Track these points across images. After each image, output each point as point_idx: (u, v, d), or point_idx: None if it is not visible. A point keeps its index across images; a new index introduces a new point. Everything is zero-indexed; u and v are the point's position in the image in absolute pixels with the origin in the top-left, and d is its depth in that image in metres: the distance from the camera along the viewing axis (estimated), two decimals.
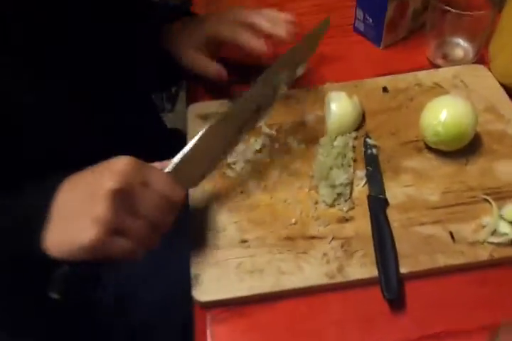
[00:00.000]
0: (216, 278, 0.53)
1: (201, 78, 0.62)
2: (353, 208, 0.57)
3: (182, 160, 0.48)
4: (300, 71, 0.57)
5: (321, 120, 0.65)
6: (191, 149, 0.48)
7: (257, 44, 0.52)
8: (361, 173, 0.60)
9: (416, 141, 0.62)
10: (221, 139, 0.52)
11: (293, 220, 0.57)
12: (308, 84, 0.68)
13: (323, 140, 0.62)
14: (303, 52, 0.56)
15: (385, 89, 0.67)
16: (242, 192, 0.59)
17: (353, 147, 0.62)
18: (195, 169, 0.49)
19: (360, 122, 0.64)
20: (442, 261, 0.52)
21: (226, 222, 0.56)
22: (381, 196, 0.57)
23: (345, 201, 0.58)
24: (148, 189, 0.40)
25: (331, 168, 0.59)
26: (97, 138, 0.55)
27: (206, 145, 0.50)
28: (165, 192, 0.42)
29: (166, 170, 0.47)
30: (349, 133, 0.63)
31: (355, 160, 0.61)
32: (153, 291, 0.61)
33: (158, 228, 0.42)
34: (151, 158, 0.46)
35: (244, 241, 0.55)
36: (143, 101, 0.71)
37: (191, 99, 0.70)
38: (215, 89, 0.69)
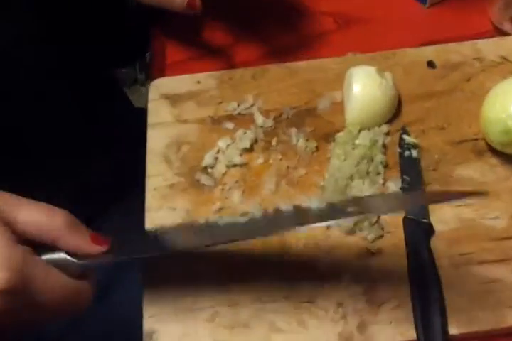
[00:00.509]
0: (178, 337, 0.49)
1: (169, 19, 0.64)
2: (381, 237, 0.53)
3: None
4: None
5: (339, 107, 0.61)
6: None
7: None
8: (395, 185, 0.56)
9: (475, 139, 0.59)
10: None
11: (293, 252, 0.53)
12: (322, 54, 0.66)
13: (340, 136, 0.59)
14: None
15: (430, 64, 0.64)
16: (221, 209, 0.56)
17: (384, 147, 0.58)
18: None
19: (394, 111, 0.60)
20: None
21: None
22: (423, 220, 0.54)
23: (371, 226, 0.53)
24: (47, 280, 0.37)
25: (351, 178, 0.55)
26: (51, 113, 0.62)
27: None
28: (54, 307, 0.38)
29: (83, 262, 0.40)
30: (378, 126, 0.59)
31: (386, 166, 0.57)
32: None
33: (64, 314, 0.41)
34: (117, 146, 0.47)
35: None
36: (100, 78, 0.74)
37: (157, 72, 0.69)
38: (191, 51, 0.68)
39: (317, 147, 0.59)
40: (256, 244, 0.53)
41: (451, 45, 0.65)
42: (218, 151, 0.59)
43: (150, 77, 0.68)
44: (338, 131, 0.59)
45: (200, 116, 0.61)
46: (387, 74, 0.59)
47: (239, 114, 0.62)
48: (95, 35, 0.69)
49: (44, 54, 0.61)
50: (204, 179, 0.58)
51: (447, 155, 0.58)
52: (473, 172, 0.57)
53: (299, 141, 0.59)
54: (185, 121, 0.62)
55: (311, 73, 0.64)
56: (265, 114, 0.62)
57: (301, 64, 0.65)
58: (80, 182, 0.67)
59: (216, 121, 0.61)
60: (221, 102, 0.63)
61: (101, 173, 0.69)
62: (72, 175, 0.67)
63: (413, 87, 0.62)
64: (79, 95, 0.66)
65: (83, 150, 0.69)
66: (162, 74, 0.68)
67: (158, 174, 0.58)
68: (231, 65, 0.66)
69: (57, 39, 0.61)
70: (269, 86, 0.63)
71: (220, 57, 0.68)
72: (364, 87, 0.58)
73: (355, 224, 0.54)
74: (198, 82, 0.64)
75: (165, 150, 0.59)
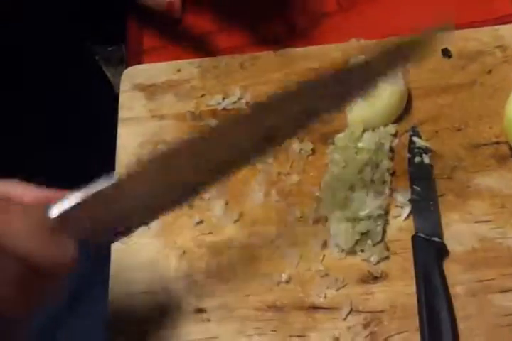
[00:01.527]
0: None
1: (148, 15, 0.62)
2: (386, 258, 0.51)
3: (97, 194, 0.37)
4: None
5: None
6: (124, 175, 0.39)
7: None
8: (403, 197, 0.53)
9: (496, 143, 0.55)
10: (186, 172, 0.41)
11: (283, 276, 0.51)
12: (321, 41, 0.62)
13: (340, 138, 0.56)
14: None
15: (445, 53, 0.60)
16: (200, 222, 0.54)
17: (391, 151, 0.55)
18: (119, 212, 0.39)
19: (403, 108, 0.57)
20: None
21: (170, 277, 0.52)
22: (435, 239, 0.51)
23: (374, 245, 0.51)
24: None
25: (351, 188, 0.52)
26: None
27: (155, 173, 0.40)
28: (32, 254, 0.34)
29: (53, 210, 0.36)
30: (384, 126, 0.56)
31: (392, 174, 0.54)
32: None
33: (17, 313, 0.36)
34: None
35: (200, 311, 0.50)
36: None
37: (131, 58, 0.66)
38: (171, 36, 0.64)
39: (313, 150, 0.56)
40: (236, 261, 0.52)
41: (470, 31, 0.61)
42: None
43: (125, 64, 0.65)
44: (338, 132, 0.56)
45: (179, 111, 0.59)
46: None
47: (224, 109, 0.58)
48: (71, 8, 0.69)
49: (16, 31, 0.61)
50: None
51: (464, 162, 0.55)
52: (494, 181, 0.53)
53: (292, 142, 0.56)
54: (161, 117, 0.59)
55: (307, 62, 0.61)
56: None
57: (297, 51, 0.61)
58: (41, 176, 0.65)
59: (197, 117, 0.58)
60: (204, 95, 0.59)
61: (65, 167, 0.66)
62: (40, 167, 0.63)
63: (425, 80, 0.59)
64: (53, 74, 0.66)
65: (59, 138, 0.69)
66: (137, 60, 0.64)
67: None
68: (216, 52, 0.63)
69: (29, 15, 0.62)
70: (259, 76, 0.60)
71: (204, 43, 0.65)
72: None
73: (356, 243, 0.50)
74: (178, 71, 0.61)
75: (138, 151, 0.57)
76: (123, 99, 0.60)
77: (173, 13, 0.59)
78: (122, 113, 0.59)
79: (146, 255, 0.52)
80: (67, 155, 0.70)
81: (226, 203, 0.53)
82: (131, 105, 0.59)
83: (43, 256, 0.34)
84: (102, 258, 0.52)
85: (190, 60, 0.61)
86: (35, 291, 0.35)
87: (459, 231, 0.51)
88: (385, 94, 0.54)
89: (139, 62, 0.63)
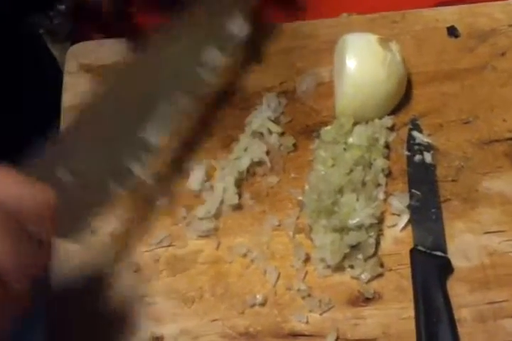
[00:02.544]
0: None
1: None
2: (380, 275, 0.51)
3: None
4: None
5: (326, 89, 0.59)
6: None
7: None
8: (400, 203, 0.53)
9: (510, 139, 0.56)
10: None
11: (258, 297, 0.51)
12: (304, 15, 0.63)
13: (327, 131, 0.55)
14: None
15: (452, 32, 0.60)
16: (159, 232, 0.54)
17: (386, 148, 0.55)
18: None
19: (401, 97, 0.57)
20: None
21: (123, 300, 0.51)
22: (438, 253, 0.51)
23: (366, 260, 0.51)
24: None
25: (339, 191, 0.52)
26: None
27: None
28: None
29: None
30: (379, 118, 0.56)
31: (388, 175, 0.54)
32: None
33: None
34: None
35: (157, 339, 0.50)
36: None
37: (78, 33, 0.66)
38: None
39: (295, 145, 0.56)
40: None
41: (479, 6, 0.61)
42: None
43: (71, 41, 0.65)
44: (325, 124, 0.56)
45: None
46: (393, 45, 0.56)
47: None
48: None
49: None
50: (148, 189, 0.54)
51: (472, 161, 0.55)
52: (505, 185, 0.53)
53: (270, 135, 0.56)
54: None
55: (289, 41, 0.61)
56: (226, 97, 0.59)
57: (276, 28, 0.61)
58: None
59: None
60: None
61: None
62: None
63: (428, 64, 0.59)
64: None
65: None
66: (85, 36, 0.64)
67: None
68: None
69: None
70: (232, 59, 0.58)
71: (169, 11, 0.62)
72: (361, 62, 0.55)
73: (345, 257, 0.50)
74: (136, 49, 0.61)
75: None
76: (67, 82, 0.59)
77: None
78: (66, 99, 0.58)
79: (91, 270, 0.51)
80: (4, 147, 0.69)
81: (187, 209, 0.53)
82: (76, 90, 0.58)
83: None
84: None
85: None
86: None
87: (466, 243, 0.51)
88: (380, 80, 0.53)
89: (89, 39, 0.62)
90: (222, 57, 0.54)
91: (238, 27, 0.55)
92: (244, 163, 0.53)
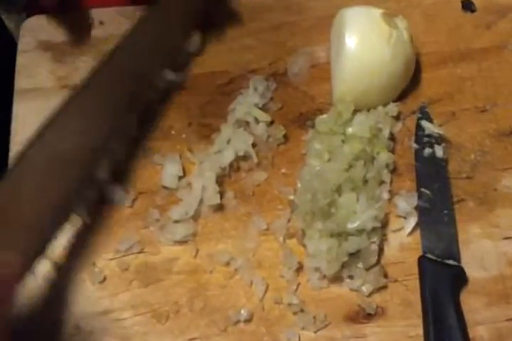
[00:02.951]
0: None
1: None
2: (383, 288, 0.50)
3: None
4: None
5: (322, 72, 0.58)
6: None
7: None
8: (407, 203, 0.52)
9: None
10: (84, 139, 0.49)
11: (242, 312, 0.50)
12: None
13: (323, 120, 0.55)
14: None
15: (466, 5, 0.60)
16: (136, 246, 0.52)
17: (391, 139, 0.55)
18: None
19: (408, 81, 0.57)
20: None
21: (85, 316, 0.50)
22: (450, 261, 0.50)
23: (367, 270, 0.50)
24: None
25: (337, 190, 0.51)
26: None
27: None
28: None
29: None
30: (383, 105, 0.56)
31: (393, 171, 0.54)
32: None
33: None
34: None
35: None
36: None
37: (34, 5, 0.63)
38: None
39: (286, 136, 0.55)
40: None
41: None
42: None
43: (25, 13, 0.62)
44: (320, 112, 0.56)
45: None
46: (400, 21, 0.55)
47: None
48: None
49: None
50: (110, 189, 0.53)
51: (489, 155, 0.54)
52: None
53: (257, 125, 0.55)
54: (74, 88, 0.55)
55: (278, 15, 0.60)
56: (206, 80, 0.58)
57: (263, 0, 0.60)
58: None
59: None
60: None
61: None
62: None
63: (439, 43, 0.59)
64: None
65: None
66: (46, 7, 0.61)
67: None
68: None
69: None
70: (214, 36, 0.58)
71: None
72: (363, 40, 0.54)
73: (343, 266, 0.49)
74: (101, 23, 0.60)
75: None
76: (22, 61, 0.58)
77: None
78: (20, 81, 0.56)
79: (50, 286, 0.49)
80: None
81: (161, 210, 0.51)
82: (32, 71, 0.57)
83: None
84: None
85: (119, 8, 0.58)
86: None
87: (482, 250, 0.50)
88: (385, 61, 0.52)
89: (47, 11, 0.59)
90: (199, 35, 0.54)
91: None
92: (227, 157, 0.51)
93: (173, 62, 0.57)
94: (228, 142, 0.52)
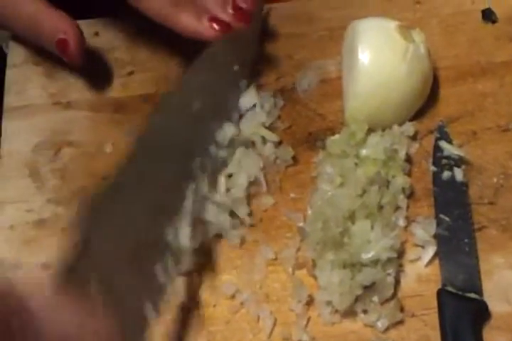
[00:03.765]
0: None
1: None
2: (400, 323, 0.49)
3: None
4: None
5: (333, 88, 0.59)
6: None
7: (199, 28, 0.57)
8: (425, 231, 0.52)
9: None
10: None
11: None
12: None
13: (334, 141, 0.55)
14: None
15: (487, 15, 0.60)
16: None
17: (408, 161, 0.55)
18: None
19: (425, 98, 0.57)
20: None
21: None
22: (471, 295, 0.49)
23: (382, 304, 0.50)
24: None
25: (350, 217, 0.51)
26: None
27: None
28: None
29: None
30: (399, 125, 0.56)
31: (410, 196, 0.53)
32: None
33: None
34: None
35: None
36: None
37: None
38: None
39: (294, 158, 0.55)
40: None
41: None
42: None
43: None
44: (332, 132, 0.56)
45: (99, 95, 0.58)
46: (417, 34, 0.55)
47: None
48: None
49: None
50: None
51: None
52: None
53: (264, 146, 0.55)
54: (68, 105, 0.58)
55: (286, 25, 0.60)
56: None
57: (270, 8, 0.61)
58: None
59: (122, 106, 0.57)
60: (132, 72, 0.58)
61: None
62: None
63: (458, 57, 0.59)
64: None
65: None
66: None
67: (19, 199, 0.54)
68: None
69: None
70: None
71: None
72: (377, 55, 0.54)
73: (356, 300, 0.48)
74: (96, 35, 0.60)
75: (31, 157, 0.56)
76: (11, 77, 0.59)
77: (68, 57, 0.55)
78: (9, 98, 0.57)
79: None
80: None
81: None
82: (22, 87, 0.58)
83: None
84: None
85: (115, 19, 0.61)
86: None
87: (506, 282, 0.50)
88: (401, 77, 0.53)
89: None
90: None
91: None
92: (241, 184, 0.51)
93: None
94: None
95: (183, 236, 0.49)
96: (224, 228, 0.52)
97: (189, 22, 0.57)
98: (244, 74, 0.58)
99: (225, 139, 0.54)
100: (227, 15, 0.57)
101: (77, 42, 0.53)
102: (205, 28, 0.57)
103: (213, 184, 0.54)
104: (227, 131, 0.54)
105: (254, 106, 0.56)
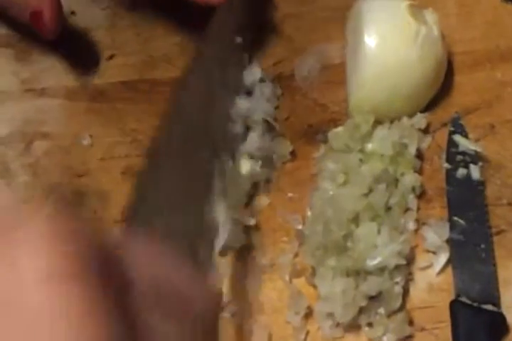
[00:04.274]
0: None
1: None
2: (409, 337, 0.49)
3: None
4: None
5: (336, 75, 0.58)
6: None
7: None
8: (437, 235, 0.51)
9: None
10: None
11: None
12: None
13: (336, 134, 0.54)
14: None
15: None
16: None
17: (419, 158, 0.54)
18: None
19: (438, 87, 0.56)
20: None
21: None
22: (488, 306, 0.49)
23: (389, 316, 0.49)
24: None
25: (354, 219, 0.50)
26: None
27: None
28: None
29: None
30: (409, 116, 0.55)
31: (420, 196, 0.53)
32: None
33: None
34: None
35: None
36: None
37: None
38: None
39: (292, 153, 0.54)
40: None
41: None
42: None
43: None
44: (334, 124, 0.54)
45: (72, 83, 0.57)
46: (429, 15, 0.54)
47: (145, 79, 0.56)
48: None
49: None
50: (83, 210, 0.55)
51: None
52: None
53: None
54: (42, 92, 0.57)
55: (283, 6, 0.59)
56: None
57: None
58: None
59: (101, 94, 0.56)
60: (113, 56, 0.57)
61: None
62: None
63: (476, 40, 0.58)
64: None
65: None
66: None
67: None
68: None
69: None
70: None
71: None
72: (385, 38, 0.53)
73: (361, 312, 0.48)
74: (73, 13, 0.59)
75: (2, 150, 0.55)
76: None
77: (42, 30, 0.54)
78: None
79: None
80: None
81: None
82: None
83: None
84: None
85: None
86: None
87: None
88: (411, 63, 0.52)
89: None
90: None
91: None
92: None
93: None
94: None
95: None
96: None
97: None
98: (246, 48, 0.57)
99: (238, 115, 0.54)
100: None
101: (53, 12, 0.51)
102: None
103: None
104: (240, 105, 0.53)
105: (260, 81, 0.55)
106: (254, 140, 0.54)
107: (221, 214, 0.50)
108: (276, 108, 0.54)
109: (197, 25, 0.55)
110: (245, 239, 0.52)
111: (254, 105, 0.56)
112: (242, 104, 0.54)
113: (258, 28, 0.61)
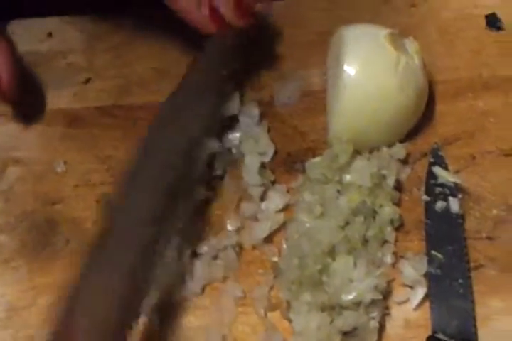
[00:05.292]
0: None
1: None
2: None
3: None
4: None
5: (316, 102, 0.58)
6: None
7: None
8: (414, 269, 0.51)
9: None
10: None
11: None
12: None
13: (314, 164, 0.54)
14: None
15: (492, 22, 0.60)
16: None
17: (397, 189, 0.54)
18: None
19: (419, 116, 0.56)
20: None
21: None
22: None
23: None
24: None
25: (330, 253, 0.50)
26: None
27: None
28: None
29: None
30: (388, 146, 0.55)
31: (398, 229, 0.53)
32: None
33: None
34: None
35: None
36: None
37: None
38: None
39: (273, 183, 0.54)
40: None
41: None
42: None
43: None
44: (313, 153, 0.55)
45: (50, 106, 0.57)
46: (410, 43, 0.55)
47: (121, 105, 0.57)
48: None
49: None
50: (57, 238, 0.54)
51: None
52: None
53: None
54: (14, 117, 0.58)
55: (262, 28, 0.60)
56: None
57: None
58: None
59: (76, 119, 0.57)
60: (89, 80, 0.58)
61: None
62: None
63: (458, 69, 0.58)
64: None
65: None
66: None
67: None
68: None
69: None
70: None
71: None
72: (365, 67, 0.53)
73: None
74: (49, 35, 0.60)
75: None
76: None
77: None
78: None
79: None
80: None
81: None
82: None
83: None
84: None
85: (71, 18, 0.59)
86: None
87: (504, 329, 0.49)
88: (391, 92, 0.52)
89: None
90: None
91: None
92: None
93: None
94: None
95: None
96: None
97: (188, 4, 0.56)
98: (230, 81, 0.58)
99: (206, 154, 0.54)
100: (229, 9, 0.56)
101: (10, 79, 0.53)
102: (202, 17, 0.56)
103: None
104: (210, 145, 0.53)
105: (237, 115, 0.55)
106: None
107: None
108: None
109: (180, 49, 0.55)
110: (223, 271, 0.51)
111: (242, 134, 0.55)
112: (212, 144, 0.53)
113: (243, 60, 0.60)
